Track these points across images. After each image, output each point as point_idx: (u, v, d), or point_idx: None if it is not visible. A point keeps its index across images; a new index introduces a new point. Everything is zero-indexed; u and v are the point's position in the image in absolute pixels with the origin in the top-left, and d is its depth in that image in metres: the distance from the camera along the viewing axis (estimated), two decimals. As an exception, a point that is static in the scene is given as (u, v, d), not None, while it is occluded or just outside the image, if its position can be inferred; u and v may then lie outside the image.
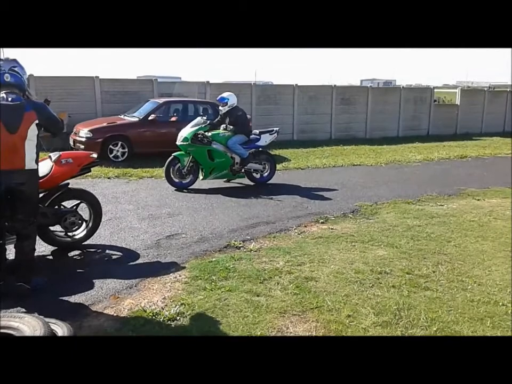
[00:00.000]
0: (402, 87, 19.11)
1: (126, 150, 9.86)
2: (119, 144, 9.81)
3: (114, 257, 4.56)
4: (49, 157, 4.34)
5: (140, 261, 4.45)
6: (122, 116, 10.73)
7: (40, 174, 3.95)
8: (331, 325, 3.23)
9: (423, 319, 3.34)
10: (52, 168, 4.25)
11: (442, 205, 6.75)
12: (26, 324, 2.51)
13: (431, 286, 3.94)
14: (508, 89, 20.97)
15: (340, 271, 4.19)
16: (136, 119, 10.31)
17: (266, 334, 3.12)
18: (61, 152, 4.41)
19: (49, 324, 2.59)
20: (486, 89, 23.67)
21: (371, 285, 3.93)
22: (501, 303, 3.64)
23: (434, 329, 3.20)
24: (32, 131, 3.56)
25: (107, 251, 4.68)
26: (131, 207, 6.30)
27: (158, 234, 5.19)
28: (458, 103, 17.95)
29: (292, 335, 3.14)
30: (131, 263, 4.39)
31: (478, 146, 14.15)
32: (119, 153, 9.82)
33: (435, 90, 18.47)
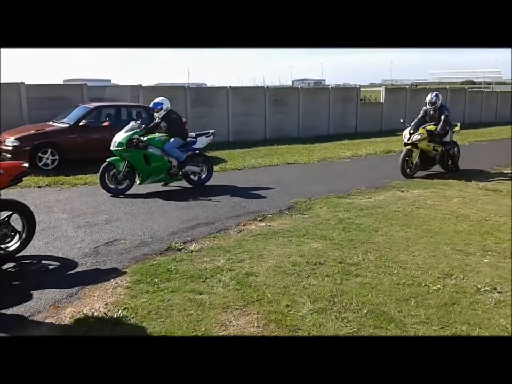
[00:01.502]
0: (331, 87, 19.92)
1: (56, 157, 9.54)
2: (49, 152, 9.47)
3: (51, 267, 4.47)
4: (-24, 168, 4.19)
5: (78, 269, 4.40)
6: (51, 122, 10.35)
7: (-33, 186, 3.81)
8: (271, 315, 3.41)
9: (354, 303, 3.62)
10: (-21, 179, 4.11)
11: (370, 198, 7.20)
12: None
13: (361, 272, 4.25)
14: (428, 87, 22.47)
15: (278, 265, 4.40)
16: (67, 125, 10.00)
17: (211, 329, 3.24)
18: (-11, 163, 4.27)
19: None
20: (407, 87, 25.22)
21: (307, 275, 4.17)
22: (423, 284, 4.01)
23: (365, 311, 3.48)
24: None
25: (43, 261, 4.57)
26: (65, 215, 6.15)
27: (95, 241, 5.13)
28: (383, 101, 18.99)
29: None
30: (69, 272, 4.33)
31: (402, 141, 14.99)
32: (49, 161, 9.48)
33: (361, 89, 19.41)
